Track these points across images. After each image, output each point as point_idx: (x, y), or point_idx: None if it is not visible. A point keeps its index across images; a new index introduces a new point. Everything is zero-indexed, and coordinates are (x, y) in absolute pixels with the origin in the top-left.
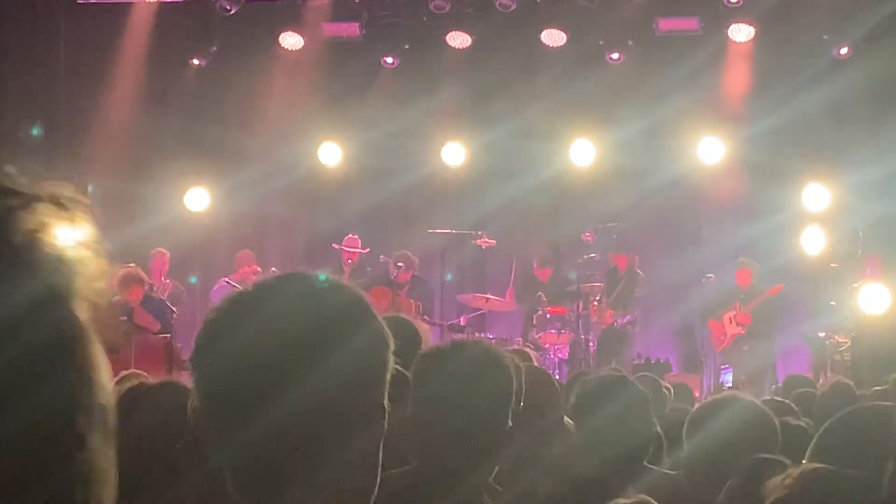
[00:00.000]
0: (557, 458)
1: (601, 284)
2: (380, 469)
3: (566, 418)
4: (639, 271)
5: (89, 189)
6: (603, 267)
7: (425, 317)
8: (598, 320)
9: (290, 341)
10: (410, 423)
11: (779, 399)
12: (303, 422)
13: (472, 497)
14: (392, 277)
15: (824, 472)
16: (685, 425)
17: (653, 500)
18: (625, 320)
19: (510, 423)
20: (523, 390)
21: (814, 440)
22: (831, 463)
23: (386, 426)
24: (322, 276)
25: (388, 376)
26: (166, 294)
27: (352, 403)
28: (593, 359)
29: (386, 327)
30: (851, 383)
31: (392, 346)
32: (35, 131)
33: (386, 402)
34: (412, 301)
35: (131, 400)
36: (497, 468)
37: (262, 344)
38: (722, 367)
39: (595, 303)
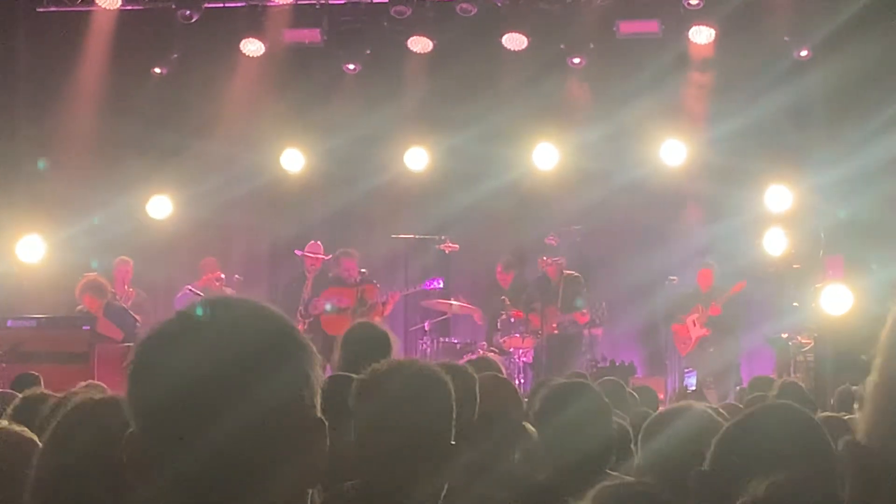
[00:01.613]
0: (516, 466)
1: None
2: (315, 483)
3: (528, 425)
4: (574, 273)
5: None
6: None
7: (394, 291)
8: (543, 328)
9: (218, 368)
10: (354, 441)
11: (736, 404)
12: (238, 444)
13: None
14: (345, 276)
15: (791, 484)
16: (640, 434)
17: None
18: (571, 318)
19: (453, 439)
20: (478, 400)
21: (713, 445)
22: (732, 468)
23: (327, 438)
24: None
25: (318, 390)
26: (130, 302)
27: (283, 422)
28: (545, 367)
29: (310, 346)
30: (800, 383)
31: (318, 360)
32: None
33: (319, 413)
34: (373, 286)
35: (75, 417)
36: (446, 484)
37: (189, 372)
38: (686, 370)
39: (534, 311)
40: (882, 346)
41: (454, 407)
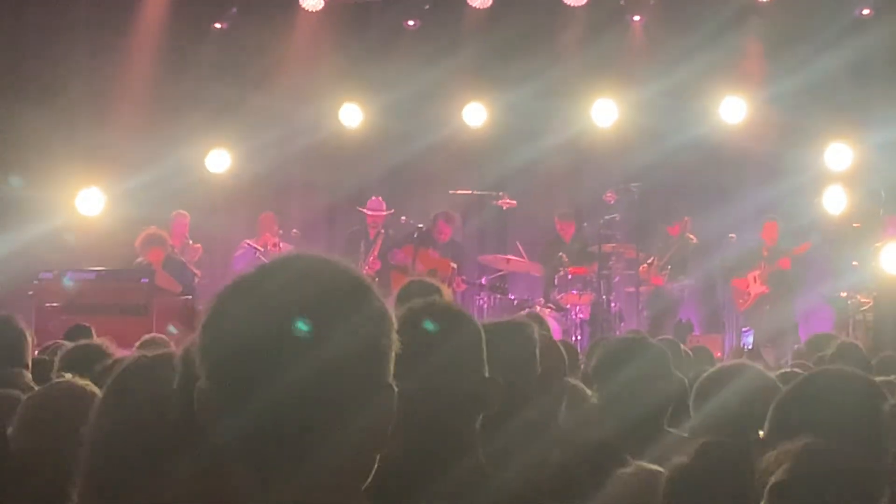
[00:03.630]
0: (569, 425)
1: (623, 245)
2: (382, 447)
3: (581, 384)
4: (691, 237)
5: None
6: (625, 227)
7: (464, 277)
8: (647, 280)
9: (291, 318)
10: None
11: (791, 371)
12: (304, 397)
13: (466, 454)
14: (437, 236)
15: (823, 450)
16: (693, 394)
17: (653, 467)
18: (678, 285)
19: (486, 372)
20: (538, 359)
21: (770, 411)
22: (789, 434)
23: (395, 404)
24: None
25: (391, 355)
26: (197, 257)
27: (352, 379)
28: (648, 322)
29: (387, 308)
30: (859, 343)
31: (394, 326)
32: None
33: (391, 380)
34: (450, 262)
35: (131, 373)
36: (481, 414)
37: (264, 321)
38: (743, 329)
39: (647, 265)
40: None
41: (482, 338)
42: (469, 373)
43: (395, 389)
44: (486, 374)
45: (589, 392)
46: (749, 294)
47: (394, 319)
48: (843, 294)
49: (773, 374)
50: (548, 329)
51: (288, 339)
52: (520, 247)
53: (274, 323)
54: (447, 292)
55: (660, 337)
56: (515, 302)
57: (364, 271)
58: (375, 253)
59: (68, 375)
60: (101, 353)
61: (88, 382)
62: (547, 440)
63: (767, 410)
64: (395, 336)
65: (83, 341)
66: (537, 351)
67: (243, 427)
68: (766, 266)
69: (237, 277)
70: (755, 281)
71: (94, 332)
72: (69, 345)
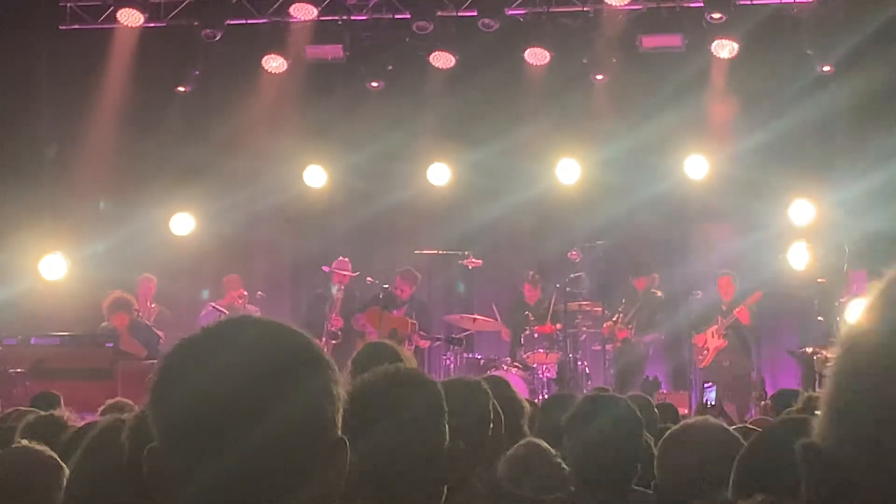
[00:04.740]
0: (533, 484)
1: (589, 303)
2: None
3: (543, 443)
4: (656, 292)
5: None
6: (590, 285)
7: (422, 332)
8: (610, 337)
9: (242, 384)
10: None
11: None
12: (254, 460)
13: None
14: (397, 294)
15: None
16: (657, 450)
17: None
18: (645, 339)
19: (447, 441)
20: (491, 416)
21: (733, 468)
22: (751, 491)
23: (347, 457)
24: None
25: (339, 409)
26: (152, 319)
27: (305, 439)
28: (615, 380)
29: (332, 364)
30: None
31: (340, 379)
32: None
33: (340, 432)
34: (409, 320)
35: (106, 437)
36: (445, 487)
37: (214, 387)
38: (705, 384)
39: (611, 322)
40: (840, 339)
41: (444, 406)
42: (428, 439)
43: (347, 442)
44: (447, 441)
45: (553, 450)
46: (707, 350)
47: (338, 374)
48: (809, 350)
49: (734, 430)
50: (510, 389)
51: (235, 402)
52: (495, 309)
53: (220, 386)
54: (407, 353)
55: (630, 394)
56: (482, 361)
57: (329, 330)
58: (337, 310)
59: (24, 442)
60: (60, 425)
61: (46, 448)
62: (509, 499)
63: (729, 467)
64: (342, 391)
65: (44, 413)
66: (490, 410)
67: (190, 490)
68: (722, 321)
69: (182, 341)
70: (713, 336)
71: (61, 398)
72: (31, 411)
